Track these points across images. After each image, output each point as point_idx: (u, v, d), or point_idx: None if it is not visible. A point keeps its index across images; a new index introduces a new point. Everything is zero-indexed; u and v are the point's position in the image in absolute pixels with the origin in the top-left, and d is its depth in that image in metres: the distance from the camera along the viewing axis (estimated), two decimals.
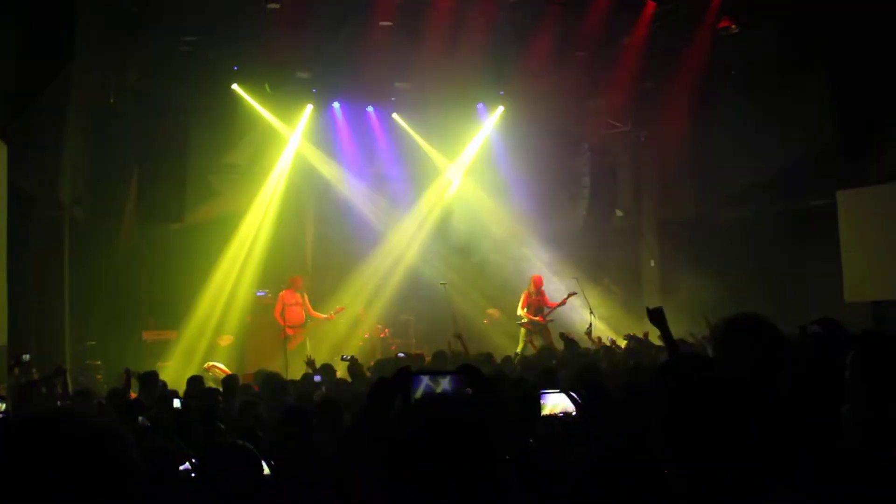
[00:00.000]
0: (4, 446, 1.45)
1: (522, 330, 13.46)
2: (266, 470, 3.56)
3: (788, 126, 12.75)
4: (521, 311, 13.52)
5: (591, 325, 12.61)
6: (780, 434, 2.23)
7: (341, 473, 2.20)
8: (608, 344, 11.26)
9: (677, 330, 13.01)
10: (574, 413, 3.36)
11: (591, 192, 16.04)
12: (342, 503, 2.15)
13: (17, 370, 8.82)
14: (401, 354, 10.02)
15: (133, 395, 7.60)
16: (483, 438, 1.70)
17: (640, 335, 11.25)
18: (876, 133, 11.97)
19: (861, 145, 12.25)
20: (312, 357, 9.73)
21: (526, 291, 13.65)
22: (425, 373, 2.28)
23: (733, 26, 12.61)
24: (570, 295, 13.29)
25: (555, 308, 13.43)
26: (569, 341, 10.68)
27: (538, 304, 13.52)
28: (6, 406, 6.33)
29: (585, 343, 11.61)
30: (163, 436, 4.60)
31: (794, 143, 12.72)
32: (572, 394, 3.31)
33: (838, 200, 12.48)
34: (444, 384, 2.25)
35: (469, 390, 2.25)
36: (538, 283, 13.65)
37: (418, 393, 2.21)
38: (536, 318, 13.38)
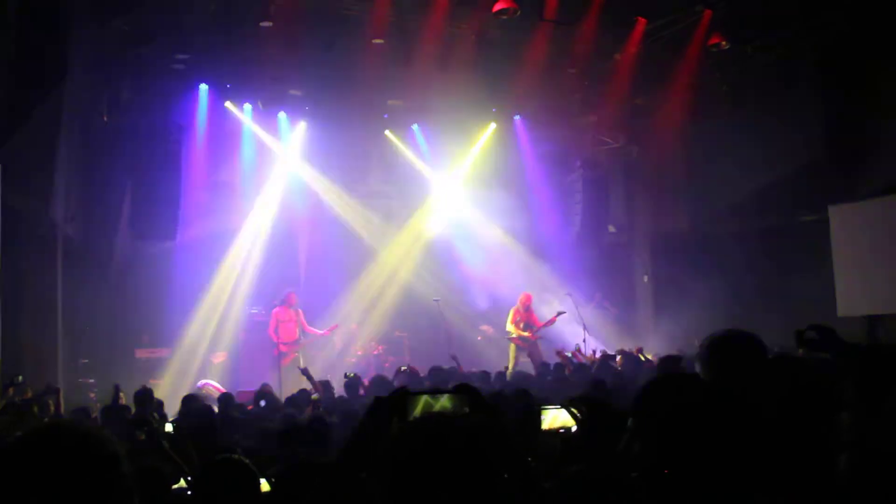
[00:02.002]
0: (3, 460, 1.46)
1: (512, 346, 13.48)
2: (265, 486, 3.54)
3: (780, 141, 12.83)
4: (510, 327, 13.53)
5: (584, 340, 12.63)
6: (769, 446, 2.23)
7: (339, 490, 2.20)
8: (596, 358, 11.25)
9: (670, 345, 13.03)
10: (573, 429, 3.35)
11: (584, 208, 16.08)
12: None
13: (10, 390, 8.76)
14: (403, 368, 9.85)
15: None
16: (481, 457, 1.70)
17: (634, 350, 11.27)
18: (867, 148, 12.05)
19: (852, 160, 12.33)
20: (306, 366, 9.70)
21: (514, 308, 13.66)
22: (423, 392, 2.28)
23: (724, 42, 12.70)
24: (558, 314, 13.32)
25: (542, 327, 13.43)
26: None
27: (526, 321, 13.52)
28: None
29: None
30: (158, 452, 4.57)
31: (785, 157, 12.79)
32: (572, 409, 3.31)
33: (830, 215, 12.55)
34: (443, 403, 2.25)
35: (467, 409, 2.25)
36: (526, 302, 13.64)
37: (417, 411, 2.20)
38: (525, 334, 13.39)
